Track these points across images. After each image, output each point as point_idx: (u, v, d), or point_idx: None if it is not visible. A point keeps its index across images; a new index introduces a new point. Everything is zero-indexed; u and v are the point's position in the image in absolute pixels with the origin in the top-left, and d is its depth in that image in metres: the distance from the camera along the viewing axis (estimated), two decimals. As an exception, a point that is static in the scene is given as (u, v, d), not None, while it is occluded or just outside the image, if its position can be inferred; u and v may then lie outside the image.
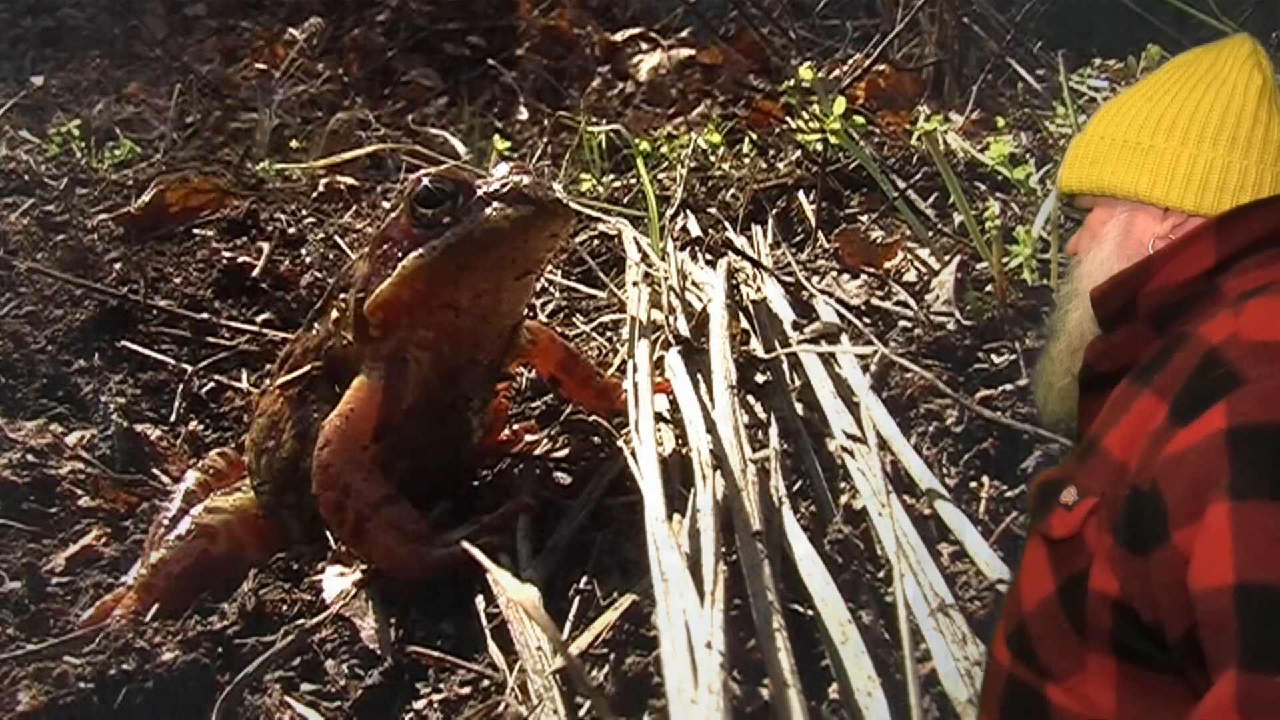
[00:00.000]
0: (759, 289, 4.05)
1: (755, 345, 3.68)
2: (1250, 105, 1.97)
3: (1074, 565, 1.79)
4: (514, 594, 2.51)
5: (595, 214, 5.22)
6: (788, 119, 5.86)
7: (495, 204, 2.84)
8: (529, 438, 3.65)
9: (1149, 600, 1.65)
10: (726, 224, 4.91)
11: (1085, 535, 1.78)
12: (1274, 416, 1.58)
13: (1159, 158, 1.99)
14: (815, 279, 4.22)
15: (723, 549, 2.46)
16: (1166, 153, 1.98)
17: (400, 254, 2.93)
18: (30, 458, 3.85)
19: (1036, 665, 1.86)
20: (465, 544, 2.75)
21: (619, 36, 8.88)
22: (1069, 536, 1.81)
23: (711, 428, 2.97)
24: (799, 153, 5.43)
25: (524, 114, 8.05)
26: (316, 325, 3.32)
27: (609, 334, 4.27)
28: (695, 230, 4.75)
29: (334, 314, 3.20)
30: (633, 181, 5.74)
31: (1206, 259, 1.89)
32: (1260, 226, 1.89)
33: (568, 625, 2.61)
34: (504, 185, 2.87)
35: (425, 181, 2.91)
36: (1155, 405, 1.74)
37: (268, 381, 3.63)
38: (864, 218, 4.84)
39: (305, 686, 2.69)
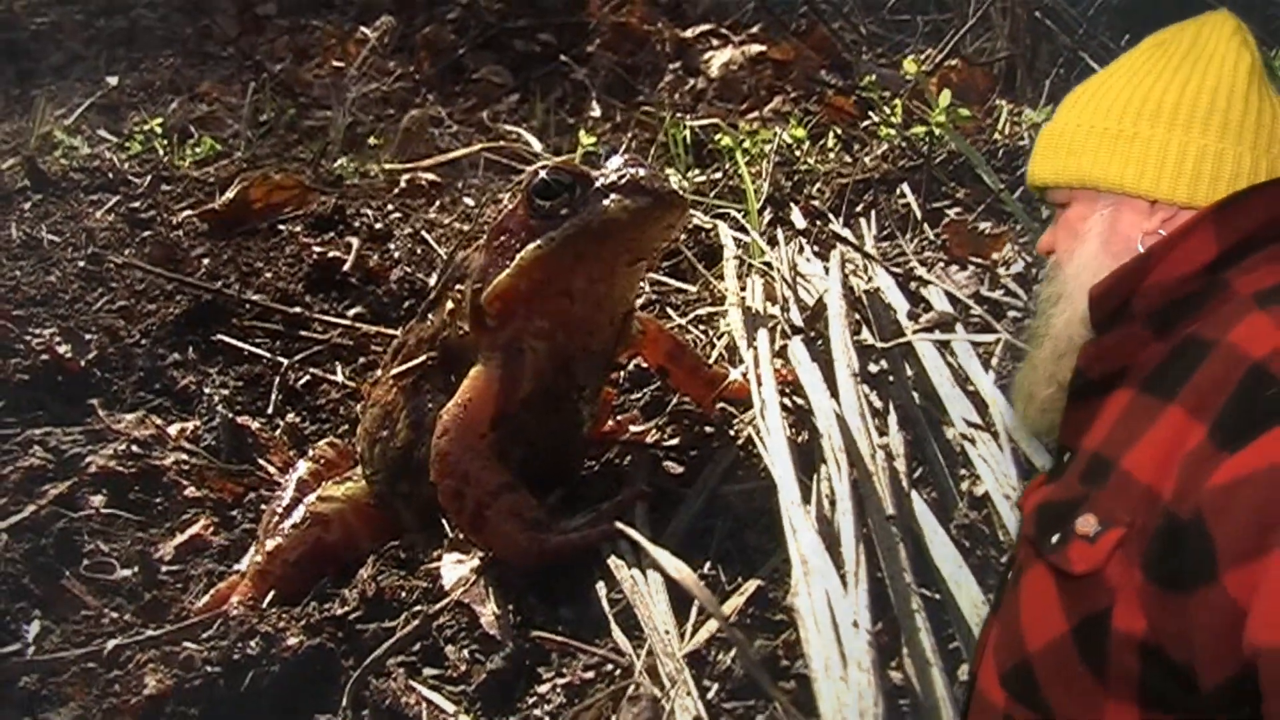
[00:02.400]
0: (870, 279, 4.06)
1: (866, 335, 3.69)
2: (1240, 86, 1.83)
3: (1093, 603, 1.64)
4: (673, 572, 2.53)
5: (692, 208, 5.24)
6: (869, 114, 5.86)
7: (613, 195, 2.85)
8: (633, 428, 3.66)
9: (1183, 641, 1.52)
10: (830, 216, 4.92)
11: (1108, 571, 1.62)
12: None
13: (1145, 146, 1.83)
14: (923, 270, 4.23)
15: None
16: (1154, 140, 1.83)
17: (518, 245, 2.95)
18: (135, 449, 3.89)
19: (1041, 710, 1.73)
20: (616, 523, 2.81)
21: (690, 33, 8.88)
22: (1091, 572, 1.64)
23: (839, 415, 2.98)
24: (885, 147, 5.43)
25: (596, 110, 8.06)
26: (430, 316, 3.35)
27: (703, 327, 4.28)
28: (800, 223, 4.76)
29: (449, 305, 3.23)
30: (716, 176, 5.76)
31: (1207, 252, 1.75)
32: (1261, 214, 1.75)
33: (693, 611, 2.62)
34: (621, 177, 2.88)
35: (543, 173, 2.93)
36: (1186, 422, 1.59)
37: (374, 373, 3.66)
38: (952, 211, 4.85)
39: (428, 671, 2.72)
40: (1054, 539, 1.71)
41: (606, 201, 2.85)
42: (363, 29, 9.25)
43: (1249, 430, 1.50)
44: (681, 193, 2.97)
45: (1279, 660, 1.38)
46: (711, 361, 3.81)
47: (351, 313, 4.92)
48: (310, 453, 3.80)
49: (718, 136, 5.95)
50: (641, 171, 2.90)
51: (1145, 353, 1.77)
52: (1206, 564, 1.48)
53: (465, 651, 2.74)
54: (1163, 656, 1.56)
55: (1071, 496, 1.74)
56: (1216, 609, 1.46)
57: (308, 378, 4.54)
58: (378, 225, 5.61)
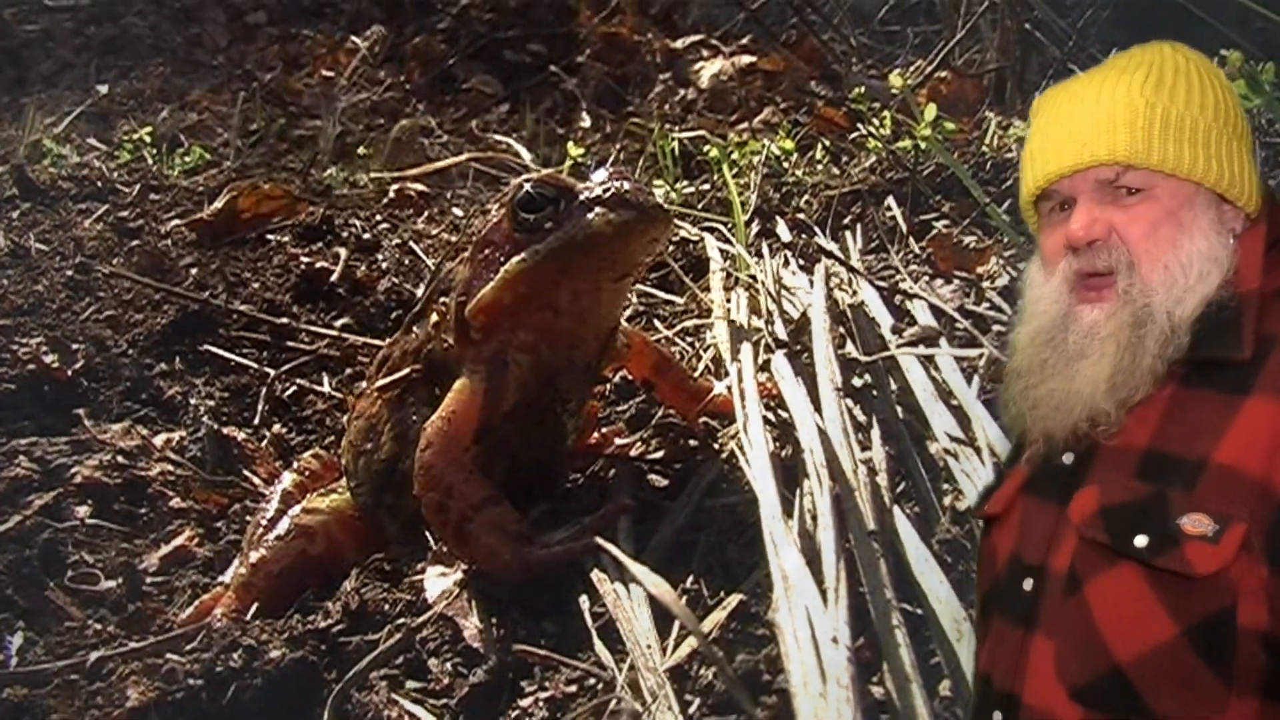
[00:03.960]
0: (854, 293, 4.07)
1: (851, 349, 3.70)
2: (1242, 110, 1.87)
3: (1213, 602, 1.62)
4: (652, 588, 2.53)
5: (679, 220, 5.24)
6: (858, 125, 5.87)
7: (597, 209, 2.86)
8: (619, 441, 3.67)
9: None
10: (816, 229, 4.93)
11: (1230, 569, 1.61)
12: None
13: (1240, 153, 1.84)
14: (907, 284, 4.24)
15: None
16: (1242, 150, 1.84)
17: (502, 258, 2.96)
18: (120, 459, 3.89)
19: (1145, 717, 1.67)
20: (597, 540, 2.81)
21: (680, 43, 8.90)
22: (1216, 571, 1.62)
23: (821, 429, 2.99)
24: (873, 159, 5.44)
25: (586, 121, 8.07)
26: (415, 329, 3.36)
27: (690, 339, 4.29)
28: (786, 236, 4.77)
29: (434, 317, 3.24)
30: (704, 188, 5.77)
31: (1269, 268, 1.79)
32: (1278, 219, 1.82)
33: (675, 626, 2.62)
34: (605, 190, 2.89)
35: (527, 187, 2.94)
36: None
37: (361, 384, 3.66)
38: (939, 224, 4.86)
39: (410, 684, 2.73)
40: (1140, 542, 1.68)
41: (590, 215, 2.86)
42: (353, 38, 9.26)
43: None
44: (666, 206, 2.98)
45: None
46: (698, 374, 3.82)
47: (339, 323, 4.93)
48: (295, 464, 3.81)
49: (706, 148, 5.96)
50: (626, 185, 2.91)
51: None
52: None
53: (448, 664, 2.75)
54: None
55: (1138, 497, 1.71)
56: None
57: (294, 388, 4.55)
58: (366, 236, 5.62)
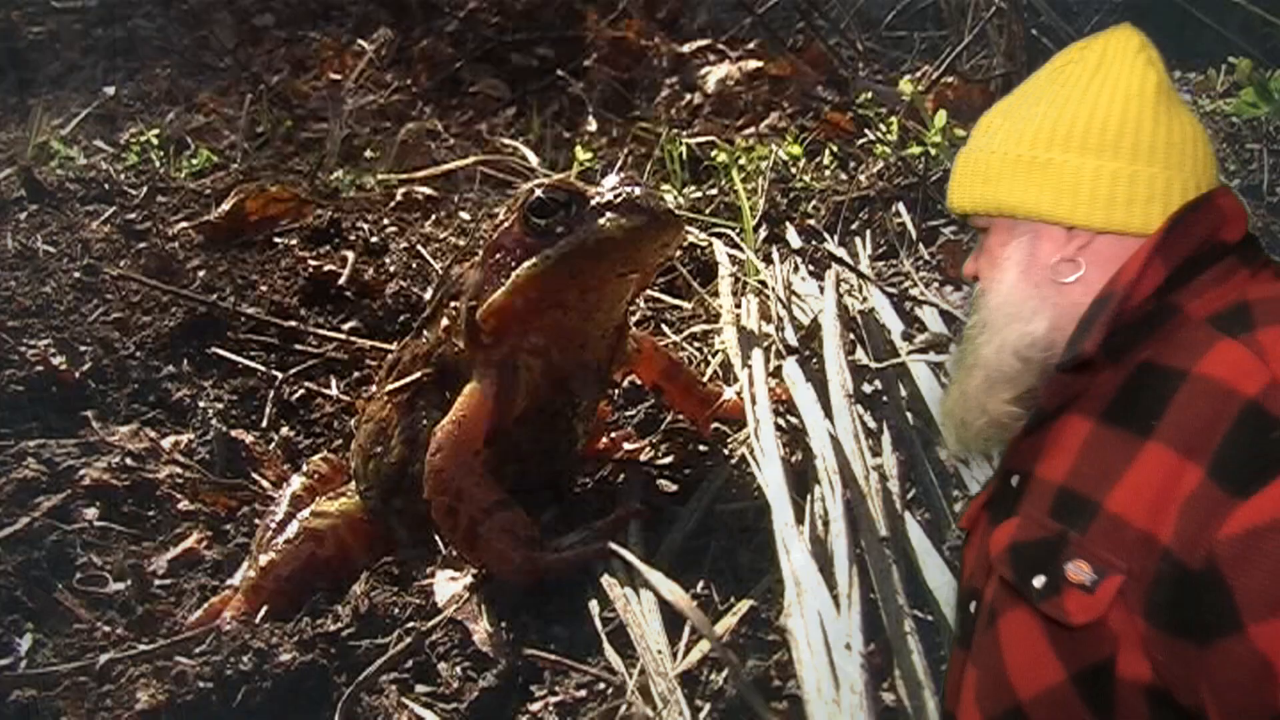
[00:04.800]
0: (865, 299, 4.07)
1: (861, 355, 3.70)
2: (1149, 107, 1.80)
3: (1094, 652, 1.61)
4: (667, 593, 2.53)
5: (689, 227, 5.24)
6: (865, 131, 5.88)
7: (609, 214, 2.87)
8: (628, 445, 3.67)
9: (1193, 686, 1.51)
10: (825, 235, 4.94)
11: (1109, 619, 1.59)
12: None
13: (1059, 173, 1.80)
14: (917, 290, 4.24)
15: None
16: (1067, 166, 1.80)
17: (513, 263, 2.96)
18: (129, 461, 3.90)
19: None
20: (604, 547, 2.83)
21: (687, 48, 8.89)
22: (1092, 622, 1.60)
23: (833, 435, 2.99)
24: (881, 164, 5.45)
25: (593, 125, 8.07)
26: (426, 332, 3.37)
27: (698, 344, 4.29)
28: (796, 242, 4.77)
29: (445, 321, 3.24)
30: (712, 192, 5.77)
31: (1156, 277, 1.73)
32: (1200, 234, 1.75)
33: (685, 631, 2.62)
34: (616, 195, 2.90)
35: (538, 191, 2.94)
36: (1177, 463, 1.56)
37: (369, 387, 3.66)
38: (948, 229, 4.86)
39: (420, 688, 2.73)
40: (1037, 583, 1.67)
41: (602, 220, 2.86)
42: (360, 41, 9.27)
43: (1259, 476, 1.48)
44: (676, 211, 2.98)
45: None
46: (706, 379, 3.82)
47: (346, 326, 4.92)
48: (304, 467, 3.80)
49: (714, 153, 5.96)
50: (637, 190, 2.91)
51: (1099, 379, 1.75)
52: (1227, 616, 1.46)
53: (458, 669, 2.74)
54: (1171, 700, 1.55)
55: (1046, 535, 1.69)
56: (1240, 663, 1.45)
57: (302, 391, 4.55)
58: (373, 239, 5.62)
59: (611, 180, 3.03)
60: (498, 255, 3.03)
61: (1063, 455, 1.73)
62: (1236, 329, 1.61)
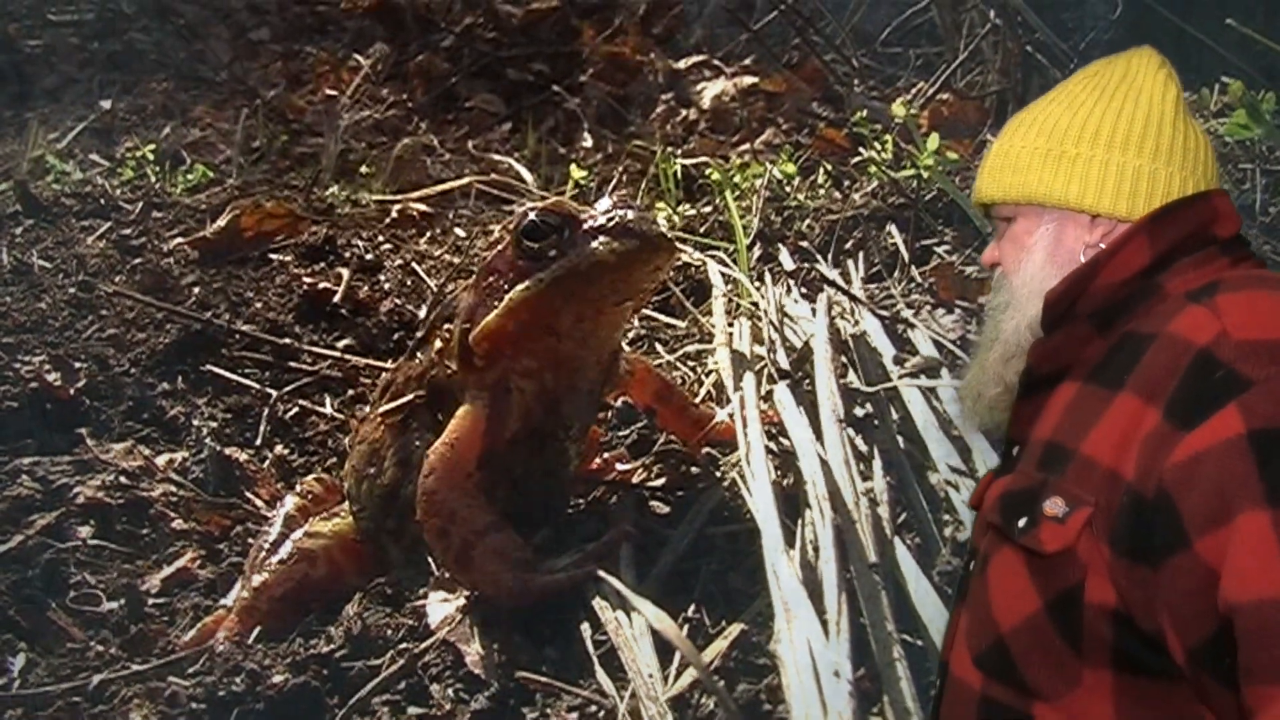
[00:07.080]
0: (856, 322, 4.09)
1: (853, 379, 3.71)
2: (1169, 115, 1.99)
3: (1065, 579, 1.76)
4: (654, 621, 2.54)
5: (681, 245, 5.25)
6: (860, 149, 5.89)
7: (601, 238, 2.88)
8: (621, 467, 3.68)
9: (1151, 609, 1.64)
10: (818, 255, 4.95)
11: (1079, 548, 1.74)
12: None
13: (1086, 165, 1.99)
14: (909, 314, 4.25)
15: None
16: (1094, 160, 1.98)
17: (506, 286, 2.98)
18: (122, 480, 3.90)
19: (1020, 685, 1.82)
20: (596, 570, 2.83)
21: (682, 64, 8.90)
22: (1063, 550, 1.75)
23: (823, 460, 3.00)
24: (875, 184, 5.46)
25: (588, 140, 8.08)
26: (419, 355, 3.38)
27: (691, 364, 4.30)
28: (789, 264, 4.79)
29: (438, 344, 3.25)
30: (706, 211, 5.78)
31: (1142, 258, 1.91)
32: (1188, 225, 1.92)
33: (676, 655, 2.63)
34: (609, 219, 2.91)
35: (532, 215, 2.96)
36: (1140, 408, 1.72)
37: (363, 406, 3.67)
38: (941, 249, 4.88)
39: (412, 710, 2.74)
40: (1021, 523, 1.82)
41: (595, 244, 2.88)
42: (356, 56, 9.26)
43: (1202, 410, 1.63)
44: (669, 235, 2.99)
45: (1253, 612, 1.50)
46: (699, 399, 3.84)
47: (341, 344, 4.92)
48: (298, 488, 3.81)
49: (708, 171, 5.97)
50: (630, 214, 2.93)
51: (1088, 350, 1.91)
52: (1176, 534, 1.60)
53: (450, 690, 2.76)
54: (1133, 625, 1.68)
55: (1032, 483, 1.85)
56: (1189, 574, 1.58)
57: (296, 409, 4.55)
58: (368, 256, 5.61)
59: (604, 203, 3.05)
60: (491, 278, 3.04)
61: (1051, 417, 1.90)
62: (1203, 297, 1.77)
